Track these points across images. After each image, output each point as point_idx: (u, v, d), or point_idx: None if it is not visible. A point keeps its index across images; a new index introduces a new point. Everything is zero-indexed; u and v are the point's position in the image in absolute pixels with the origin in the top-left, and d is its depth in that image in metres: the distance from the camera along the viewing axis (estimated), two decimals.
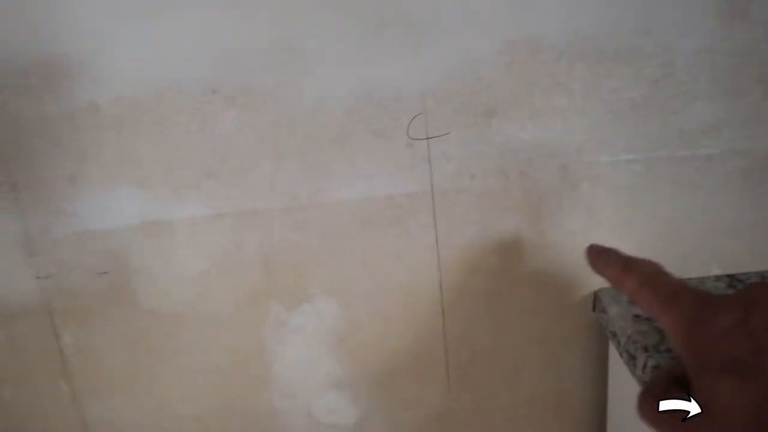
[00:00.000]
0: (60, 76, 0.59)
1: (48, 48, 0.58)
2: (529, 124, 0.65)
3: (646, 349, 0.58)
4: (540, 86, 0.64)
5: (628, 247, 0.67)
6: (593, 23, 0.63)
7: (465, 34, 0.62)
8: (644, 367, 0.57)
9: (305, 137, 0.64)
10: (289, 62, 0.62)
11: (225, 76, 0.62)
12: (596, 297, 0.69)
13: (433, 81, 0.63)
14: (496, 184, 0.66)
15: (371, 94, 0.63)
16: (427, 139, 0.64)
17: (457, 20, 0.62)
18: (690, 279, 0.69)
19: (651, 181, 0.67)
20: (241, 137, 0.63)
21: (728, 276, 0.69)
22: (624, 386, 0.65)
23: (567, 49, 0.63)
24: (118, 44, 0.59)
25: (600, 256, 0.56)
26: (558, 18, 0.62)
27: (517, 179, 0.66)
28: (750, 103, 0.66)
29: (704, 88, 0.65)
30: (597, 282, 0.69)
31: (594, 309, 0.69)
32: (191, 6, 0.59)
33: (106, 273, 0.66)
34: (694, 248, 0.70)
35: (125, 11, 0.58)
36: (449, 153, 0.65)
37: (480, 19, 0.62)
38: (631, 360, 0.60)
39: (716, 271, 0.70)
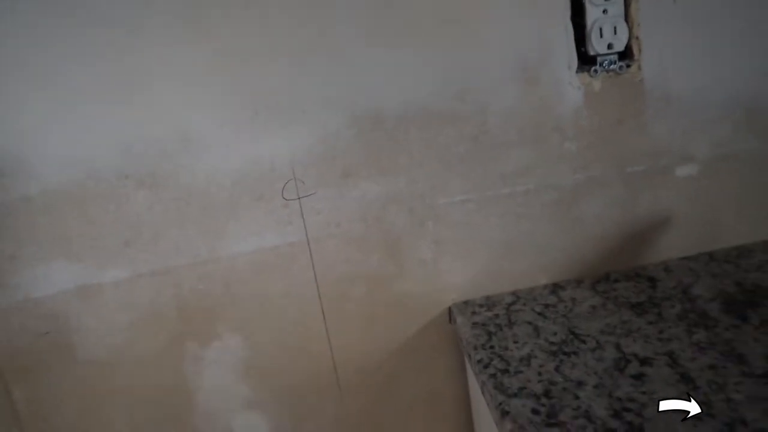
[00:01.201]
0: None
1: None
2: (379, 179, 0.82)
3: (475, 348, 0.74)
4: (384, 149, 0.81)
5: (471, 268, 0.85)
6: (421, 95, 0.80)
7: (321, 113, 0.79)
8: (475, 362, 0.73)
9: (201, 207, 0.80)
10: (183, 149, 0.78)
11: (134, 164, 0.77)
12: (450, 311, 0.85)
13: (299, 152, 0.80)
14: (359, 229, 0.83)
15: (251, 167, 0.79)
16: (299, 198, 0.81)
17: (313, 103, 0.79)
18: (522, 289, 0.86)
19: (483, 215, 0.85)
20: (151, 212, 0.79)
21: (553, 284, 0.87)
22: (475, 382, 0.81)
23: (403, 117, 0.81)
24: (42, 144, 0.75)
25: None
26: (393, 94, 0.80)
27: (374, 224, 0.83)
28: (551, 148, 0.84)
29: (514, 139, 0.83)
30: (450, 298, 0.86)
31: (450, 321, 0.86)
32: (99, 107, 0.74)
33: (47, 333, 0.80)
34: (525, 265, 0.87)
35: (45, 116, 0.74)
36: (318, 208, 0.82)
37: (331, 101, 0.79)
38: (469, 358, 0.77)
39: (543, 281, 0.88)
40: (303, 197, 0.81)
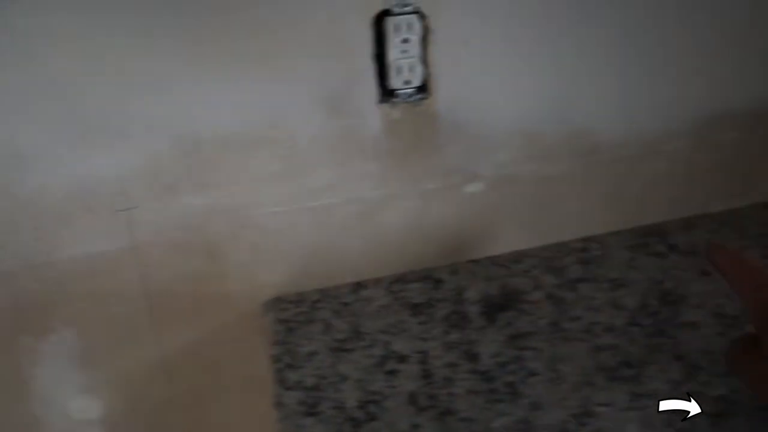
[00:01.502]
0: None
1: None
2: (200, 193, 0.93)
3: (274, 343, 0.88)
4: (204, 167, 0.92)
5: (284, 270, 0.98)
6: (237, 121, 0.91)
7: (145, 135, 0.88)
8: (269, 356, 0.87)
9: (33, 217, 0.88)
10: (14, 164, 0.86)
11: None
12: (265, 305, 0.98)
13: (127, 169, 0.89)
14: (183, 236, 0.94)
15: (82, 181, 0.88)
16: (126, 210, 0.91)
17: (139, 126, 0.88)
18: (330, 287, 1.00)
19: (295, 224, 0.98)
20: None
21: (356, 283, 1.01)
22: None
23: (221, 140, 0.91)
24: None
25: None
26: (212, 120, 0.90)
27: (197, 232, 0.94)
28: (354, 168, 0.97)
29: (322, 160, 0.96)
30: (266, 294, 0.99)
31: (265, 315, 0.99)
32: None
33: None
34: (333, 267, 1.01)
35: None
36: (145, 218, 0.92)
37: (155, 124, 0.88)
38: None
39: (349, 280, 1.02)
40: (130, 209, 0.91)
